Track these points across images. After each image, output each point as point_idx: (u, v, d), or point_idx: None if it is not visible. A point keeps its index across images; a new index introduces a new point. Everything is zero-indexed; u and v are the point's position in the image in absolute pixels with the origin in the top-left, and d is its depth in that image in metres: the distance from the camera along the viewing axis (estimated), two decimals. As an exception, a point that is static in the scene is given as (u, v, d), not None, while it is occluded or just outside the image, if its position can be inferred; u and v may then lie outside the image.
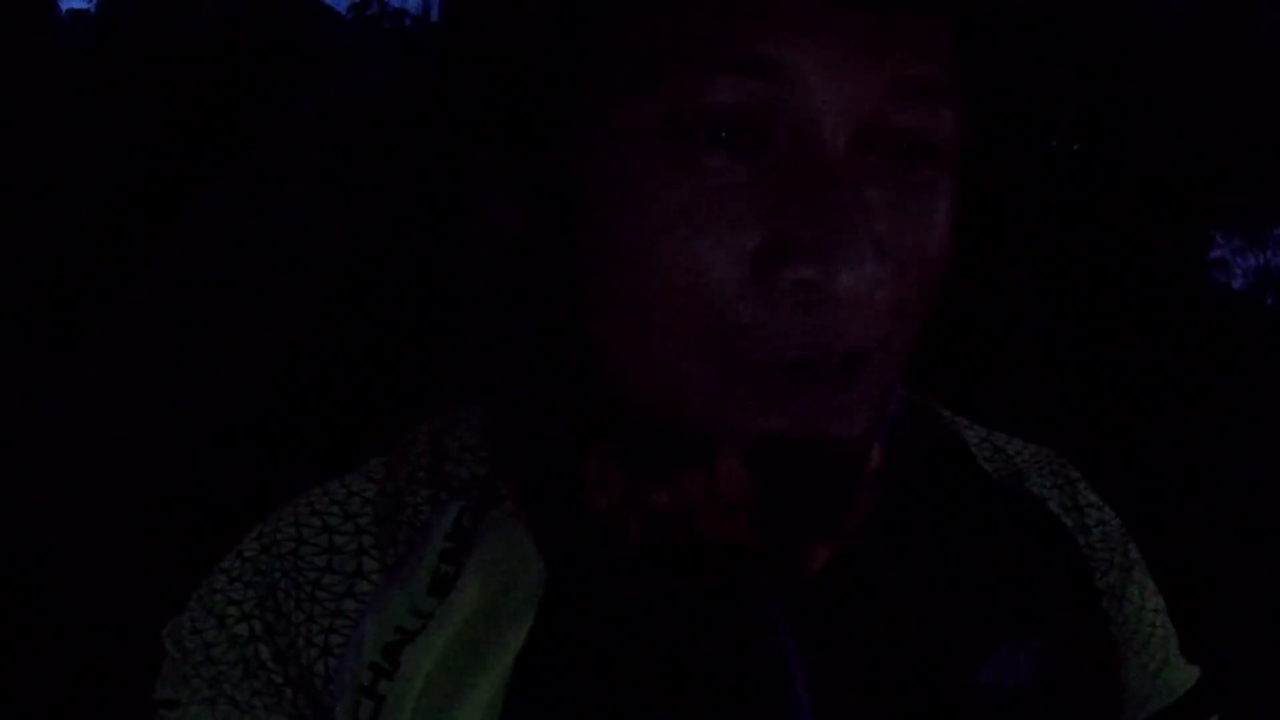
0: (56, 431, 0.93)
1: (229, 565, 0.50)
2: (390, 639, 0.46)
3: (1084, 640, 0.52)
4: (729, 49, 0.40)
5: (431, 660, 0.46)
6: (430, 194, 0.80)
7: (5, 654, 0.86)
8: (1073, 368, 1.30)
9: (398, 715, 0.45)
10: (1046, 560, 0.53)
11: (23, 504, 0.92)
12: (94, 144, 1.27)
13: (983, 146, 0.50)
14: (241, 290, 0.93)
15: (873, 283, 0.41)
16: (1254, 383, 1.46)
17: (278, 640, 0.47)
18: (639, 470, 0.47)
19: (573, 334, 0.47)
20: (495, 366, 0.53)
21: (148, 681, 0.51)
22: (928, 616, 0.49)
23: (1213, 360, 1.45)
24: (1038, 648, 0.49)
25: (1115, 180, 1.34)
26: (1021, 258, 1.21)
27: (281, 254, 0.94)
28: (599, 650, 0.46)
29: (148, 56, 1.39)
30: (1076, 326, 1.31)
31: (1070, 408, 1.27)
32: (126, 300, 0.96)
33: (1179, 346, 1.41)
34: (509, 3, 0.44)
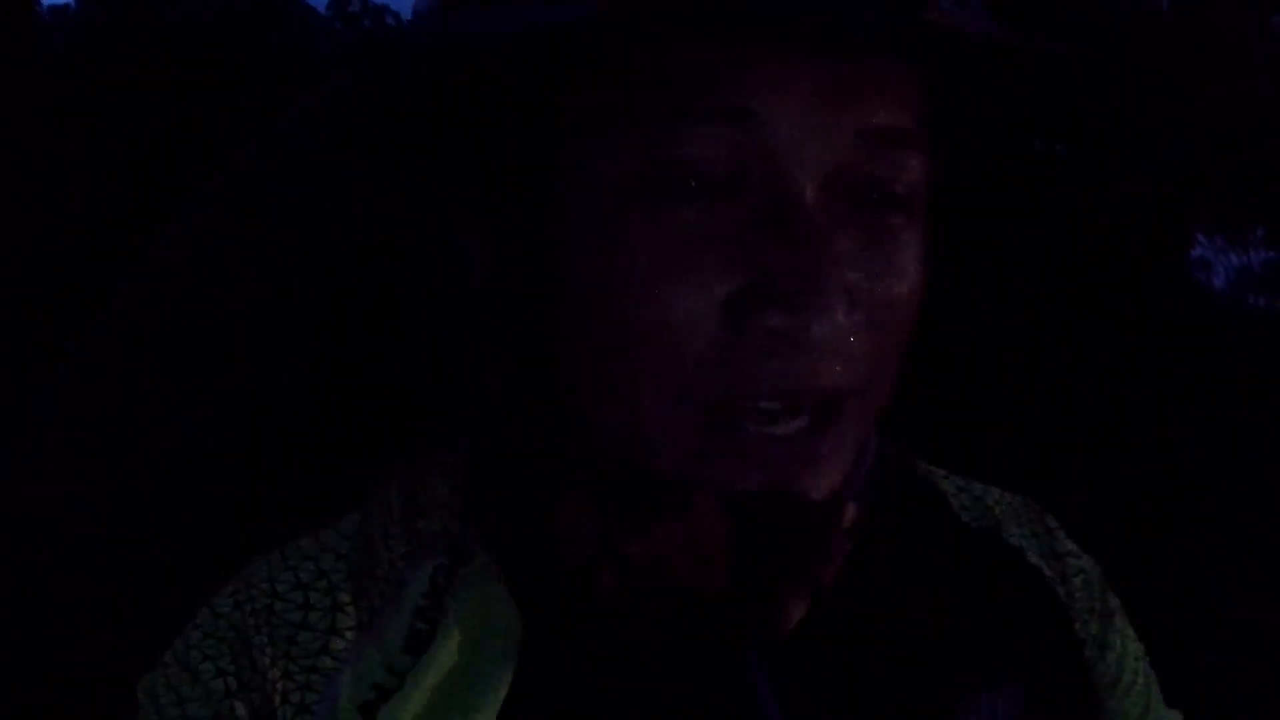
0: (36, 440, 0.92)
1: (203, 620, 0.50)
2: (367, 697, 0.46)
3: (1065, 691, 0.52)
4: (703, 99, 0.40)
5: (409, 719, 0.46)
6: (406, 216, 0.80)
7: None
8: (1052, 369, 1.31)
9: None
10: (1026, 610, 0.53)
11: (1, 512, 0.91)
12: (72, 140, 1.26)
13: (961, 154, 0.50)
14: (222, 299, 0.93)
15: (845, 331, 0.41)
16: (1237, 382, 1.46)
17: (252, 697, 0.47)
18: (612, 519, 0.47)
19: (544, 383, 0.47)
20: (466, 412, 0.53)
21: (124, 700, 0.50)
22: (906, 669, 0.49)
23: (1194, 360, 1.45)
24: (1018, 698, 0.49)
25: (1097, 181, 1.34)
26: (997, 259, 1.21)
27: (262, 264, 0.93)
28: (579, 705, 0.46)
29: (128, 52, 1.38)
30: (1055, 326, 1.31)
31: (1050, 412, 1.27)
32: (106, 308, 0.95)
33: (1160, 346, 1.41)
34: (483, 53, 0.44)
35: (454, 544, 0.49)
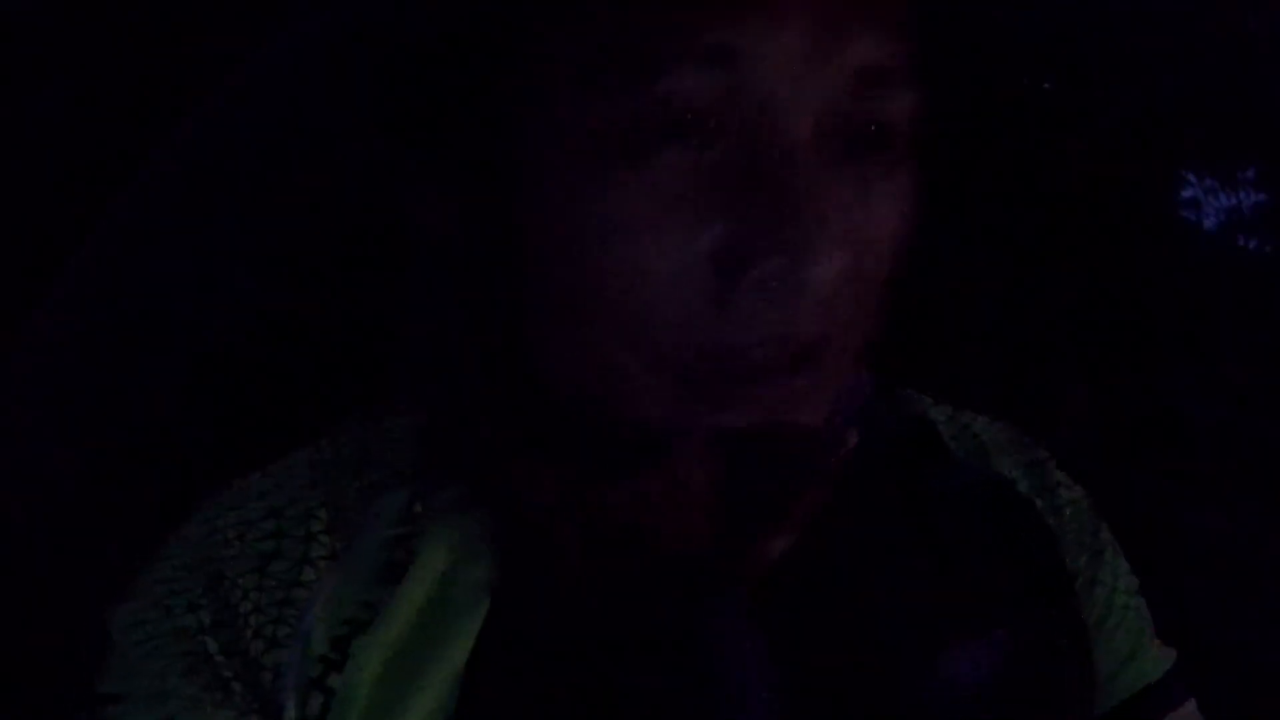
0: (11, 397, 0.91)
1: (173, 551, 0.48)
2: (339, 631, 0.45)
3: (1053, 626, 0.52)
4: (686, 40, 0.39)
5: (383, 652, 0.45)
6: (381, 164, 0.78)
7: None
8: (1039, 311, 1.30)
9: (349, 709, 0.44)
10: (1015, 544, 0.52)
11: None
12: (37, 83, 1.23)
13: (948, 90, 0.49)
14: (202, 249, 0.91)
15: (840, 276, 0.40)
16: (1226, 325, 1.46)
17: (223, 632, 0.46)
18: (591, 469, 0.46)
19: (503, 339, 0.45)
20: (439, 356, 0.52)
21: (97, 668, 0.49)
22: (890, 606, 0.48)
23: (1183, 301, 1.45)
24: (1006, 636, 0.48)
25: (1085, 118, 1.32)
26: (981, 198, 1.20)
27: (243, 211, 0.91)
28: (554, 640, 0.45)
29: None
30: (1042, 267, 1.30)
31: (1038, 354, 1.27)
32: (80, 259, 0.93)
33: (1148, 287, 1.40)
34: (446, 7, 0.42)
35: (428, 473, 0.48)
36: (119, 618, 0.48)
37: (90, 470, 0.86)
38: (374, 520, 0.47)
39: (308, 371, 0.86)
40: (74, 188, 1.14)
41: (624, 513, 0.47)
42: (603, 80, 0.40)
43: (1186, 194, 1.97)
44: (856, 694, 0.46)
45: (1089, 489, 0.59)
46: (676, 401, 0.42)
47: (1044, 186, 1.24)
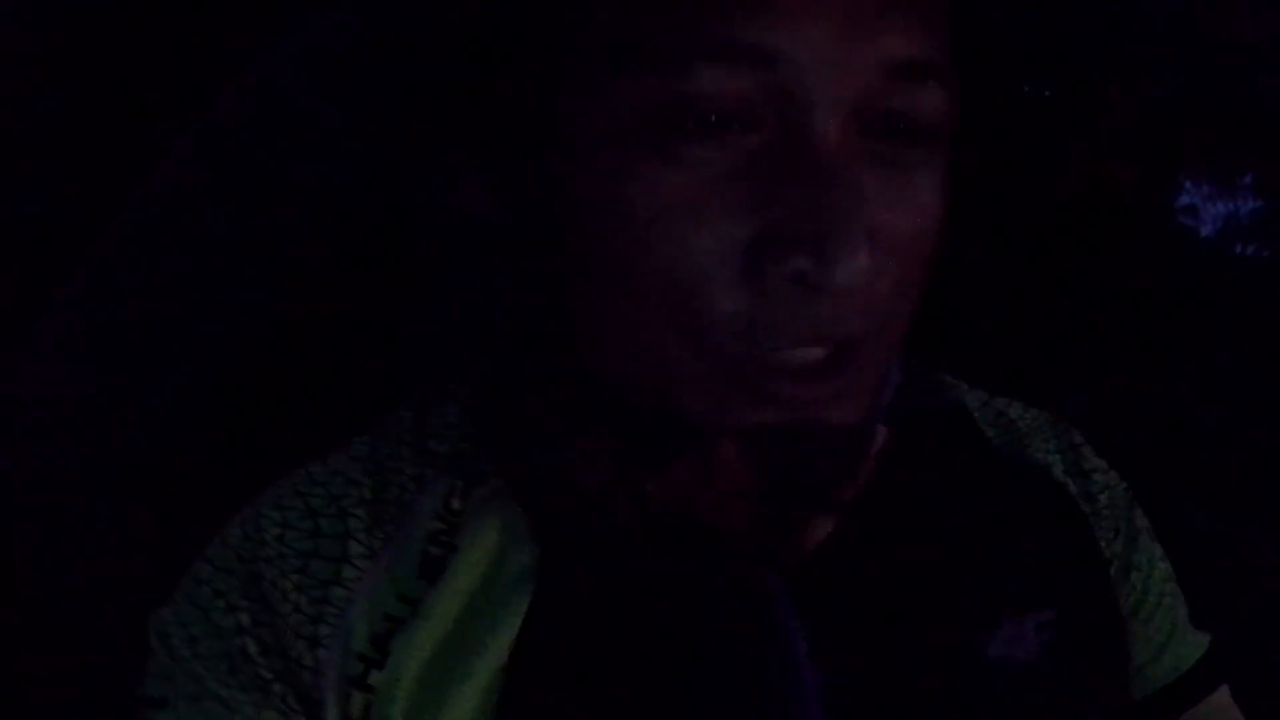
0: (18, 399, 0.91)
1: (213, 554, 0.48)
2: (379, 628, 0.45)
3: (1091, 611, 0.51)
4: (716, 38, 0.38)
5: (424, 649, 0.45)
6: (395, 157, 0.78)
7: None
8: (1039, 316, 1.30)
9: (390, 706, 0.44)
10: (1052, 529, 0.52)
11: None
12: (41, 87, 1.23)
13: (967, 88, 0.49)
14: (211, 251, 0.91)
15: (869, 274, 0.39)
16: (1221, 332, 1.46)
17: (264, 633, 0.45)
18: (630, 457, 0.46)
19: (555, 320, 0.45)
20: (472, 345, 0.52)
21: (122, 672, 0.49)
22: (933, 590, 0.48)
23: (1181, 308, 1.45)
24: (1046, 620, 0.48)
25: (1084, 122, 1.33)
26: (983, 201, 1.20)
27: (251, 213, 0.91)
28: (597, 631, 0.45)
29: None
30: (1041, 273, 1.30)
31: (1037, 359, 1.27)
32: (88, 261, 0.93)
33: (1147, 293, 1.40)
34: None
35: (466, 466, 0.48)
36: (159, 621, 0.48)
37: (91, 470, 0.86)
38: (412, 517, 0.47)
39: (313, 373, 0.85)
40: (74, 188, 1.14)
41: (663, 500, 0.47)
42: (632, 76, 0.40)
43: (1184, 200, 1.98)
44: (905, 675, 0.46)
45: None
46: (710, 397, 0.42)
47: (1044, 186, 1.24)
